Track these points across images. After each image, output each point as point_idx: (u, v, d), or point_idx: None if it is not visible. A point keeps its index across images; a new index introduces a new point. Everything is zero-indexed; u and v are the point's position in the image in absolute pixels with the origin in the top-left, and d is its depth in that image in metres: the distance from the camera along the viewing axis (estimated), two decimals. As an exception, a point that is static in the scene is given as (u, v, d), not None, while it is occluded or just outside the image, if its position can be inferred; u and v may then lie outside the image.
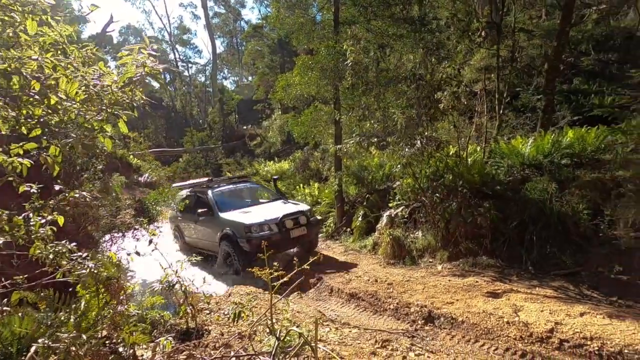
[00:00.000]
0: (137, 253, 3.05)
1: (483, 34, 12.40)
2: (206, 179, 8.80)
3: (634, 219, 4.53)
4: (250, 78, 37.44)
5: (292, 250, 7.55)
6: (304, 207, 7.68)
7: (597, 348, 3.22)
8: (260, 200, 8.29)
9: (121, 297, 2.63)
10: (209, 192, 7.78)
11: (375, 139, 6.68)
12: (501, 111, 8.12)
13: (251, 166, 19.58)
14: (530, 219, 5.40)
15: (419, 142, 6.68)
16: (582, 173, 5.63)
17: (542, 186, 5.67)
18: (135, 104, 2.42)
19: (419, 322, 4.30)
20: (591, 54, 10.93)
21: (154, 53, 2.06)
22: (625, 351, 3.09)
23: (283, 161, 17.86)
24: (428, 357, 3.23)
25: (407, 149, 6.70)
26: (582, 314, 3.74)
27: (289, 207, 7.40)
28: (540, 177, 5.92)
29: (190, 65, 43.98)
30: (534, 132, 7.82)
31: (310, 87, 8.77)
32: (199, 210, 7.38)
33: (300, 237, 7.01)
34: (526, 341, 3.52)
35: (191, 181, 9.58)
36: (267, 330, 2.92)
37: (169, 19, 59.99)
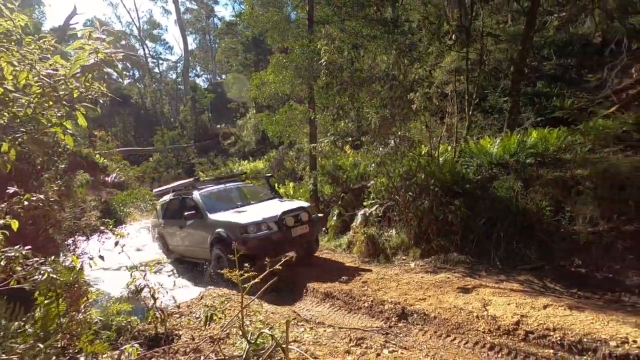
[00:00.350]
0: (101, 257, 2.89)
1: (453, 37, 12.79)
2: (192, 179, 8.10)
3: (592, 215, 4.80)
4: (224, 76, 36.75)
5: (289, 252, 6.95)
6: (303, 203, 7.12)
7: (559, 338, 3.38)
8: (253, 200, 7.60)
9: (83, 304, 2.48)
10: (196, 193, 7.16)
11: (350, 138, 6.73)
12: (470, 112, 8.39)
13: (225, 165, 19.24)
14: (498, 216, 5.61)
15: (392, 141, 6.79)
16: (545, 172, 5.91)
17: (508, 184, 5.91)
18: (100, 100, 2.28)
19: (393, 319, 4.36)
20: (553, 59, 11.51)
21: (103, 37, 1.94)
22: (584, 340, 3.26)
23: (258, 160, 17.66)
24: (402, 353, 3.27)
25: (381, 148, 6.80)
26: (545, 307, 3.91)
27: (288, 205, 6.82)
28: (507, 176, 6.16)
29: (160, 61, 42.62)
30: (501, 133, 8.13)
31: (285, 85, 8.72)
32: (186, 213, 6.68)
33: (302, 235, 6.43)
34: (494, 334, 3.65)
35: (174, 184, 8.78)
36: (240, 333, 2.85)
37: (138, 12, 57.82)
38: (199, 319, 3.90)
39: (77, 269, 2.48)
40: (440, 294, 4.66)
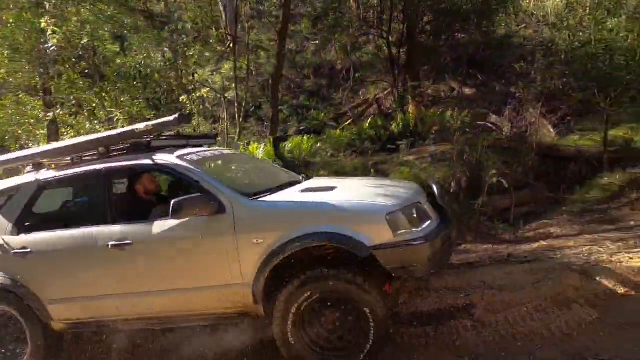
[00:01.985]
0: None
1: (231, 45, 13.18)
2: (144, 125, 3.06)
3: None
4: None
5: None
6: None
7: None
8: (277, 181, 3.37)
9: None
10: (172, 158, 2.92)
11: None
12: (241, 119, 8.77)
13: None
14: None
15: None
16: (299, 173, 6.80)
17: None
18: None
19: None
20: (311, 78, 13.71)
21: None
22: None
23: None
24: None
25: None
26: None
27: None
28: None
29: None
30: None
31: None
32: (175, 201, 2.53)
33: None
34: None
35: (43, 148, 3.71)
36: None
37: None
38: None
39: None
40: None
